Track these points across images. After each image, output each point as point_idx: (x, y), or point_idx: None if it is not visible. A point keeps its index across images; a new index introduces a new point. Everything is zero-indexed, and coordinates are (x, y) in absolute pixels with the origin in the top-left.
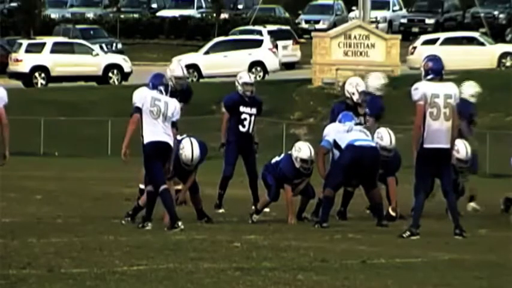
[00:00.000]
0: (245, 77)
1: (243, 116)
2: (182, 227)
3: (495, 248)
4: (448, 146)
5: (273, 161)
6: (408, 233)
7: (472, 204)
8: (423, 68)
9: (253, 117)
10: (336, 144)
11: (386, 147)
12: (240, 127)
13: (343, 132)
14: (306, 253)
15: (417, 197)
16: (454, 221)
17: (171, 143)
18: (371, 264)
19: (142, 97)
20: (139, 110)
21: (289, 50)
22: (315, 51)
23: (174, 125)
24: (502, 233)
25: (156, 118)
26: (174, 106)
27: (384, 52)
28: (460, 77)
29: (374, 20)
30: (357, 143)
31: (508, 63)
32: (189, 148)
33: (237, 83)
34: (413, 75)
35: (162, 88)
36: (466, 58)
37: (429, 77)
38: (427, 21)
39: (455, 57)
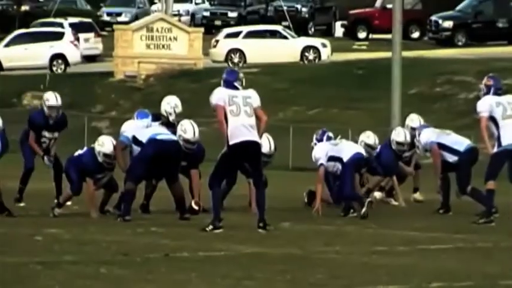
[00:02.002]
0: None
1: (42, 140)
2: None
3: (298, 241)
4: None
5: (76, 154)
6: (211, 226)
7: (416, 196)
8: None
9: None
10: (135, 140)
11: (189, 140)
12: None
13: (142, 128)
14: (109, 247)
15: (213, 190)
16: (259, 214)
17: None
18: (174, 257)
19: None
20: None
21: (91, 43)
22: (117, 44)
23: None
24: (305, 226)
25: None
26: None
27: (187, 45)
28: (263, 70)
29: (176, 13)
30: (158, 137)
31: (310, 57)
32: None
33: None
34: (216, 68)
35: None
36: (269, 52)
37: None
38: (230, 14)
39: (258, 50)
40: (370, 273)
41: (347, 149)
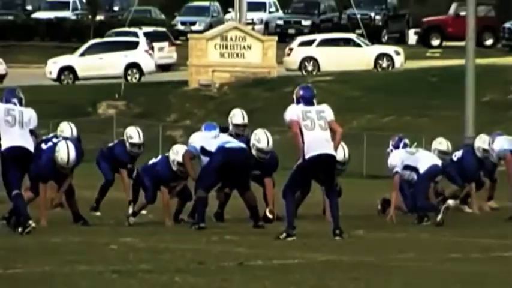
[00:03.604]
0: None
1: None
2: (33, 225)
3: (372, 249)
4: None
5: (151, 162)
6: (285, 234)
7: (490, 203)
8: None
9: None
10: (204, 150)
11: (263, 150)
12: None
13: (210, 139)
14: (183, 255)
15: (287, 199)
16: (334, 222)
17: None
18: (248, 266)
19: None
20: None
21: (165, 52)
22: (191, 53)
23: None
24: (379, 234)
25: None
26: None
27: (261, 54)
28: (337, 78)
29: (250, 21)
30: (227, 145)
31: (384, 65)
32: (64, 151)
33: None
34: (289, 76)
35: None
36: (342, 60)
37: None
38: (304, 22)
39: (332, 58)
40: (445, 281)
41: (423, 160)
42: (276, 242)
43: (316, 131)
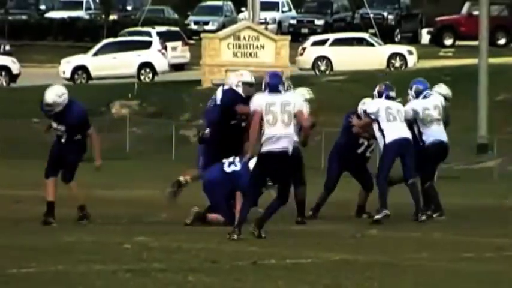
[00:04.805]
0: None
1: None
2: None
3: (386, 248)
4: None
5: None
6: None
7: None
8: None
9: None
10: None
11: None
12: None
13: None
14: (197, 254)
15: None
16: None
17: None
18: (262, 265)
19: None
20: None
21: (179, 51)
22: (205, 53)
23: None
24: (392, 233)
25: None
26: None
27: (274, 53)
28: (350, 77)
29: (263, 21)
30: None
31: (397, 64)
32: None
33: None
34: (302, 76)
35: None
36: (355, 59)
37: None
38: (316, 22)
39: (345, 58)
40: (458, 281)
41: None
42: (290, 241)
43: (278, 126)
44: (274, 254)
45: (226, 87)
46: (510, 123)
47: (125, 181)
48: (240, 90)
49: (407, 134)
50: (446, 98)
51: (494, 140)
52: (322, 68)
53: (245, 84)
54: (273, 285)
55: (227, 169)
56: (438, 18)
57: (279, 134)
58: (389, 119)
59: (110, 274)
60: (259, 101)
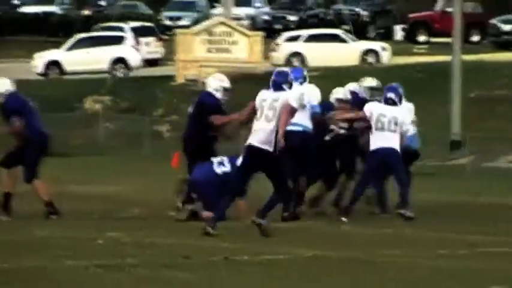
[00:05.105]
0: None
1: None
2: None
3: (359, 244)
4: None
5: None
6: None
7: None
8: None
9: None
10: None
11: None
12: None
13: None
14: (170, 250)
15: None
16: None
17: None
18: (234, 260)
19: None
20: None
21: (152, 47)
22: (178, 48)
23: None
24: (365, 229)
25: None
26: None
27: (247, 49)
28: (324, 73)
29: (237, 16)
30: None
31: (370, 60)
32: None
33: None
34: None
35: None
36: (329, 55)
37: None
38: (290, 18)
39: (318, 54)
40: (432, 277)
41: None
42: (263, 236)
43: (261, 121)
44: (247, 249)
45: (208, 90)
46: (483, 120)
47: (100, 176)
48: (218, 95)
49: (393, 145)
50: (375, 89)
51: (466, 137)
52: (296, 64)
53: (225, 90)
54: (244, 281)
55: (217, 170)
56: (411, 15)
57: (258, 128)
58: (378, 127)
59: (83, 269)
60: (258, 97)
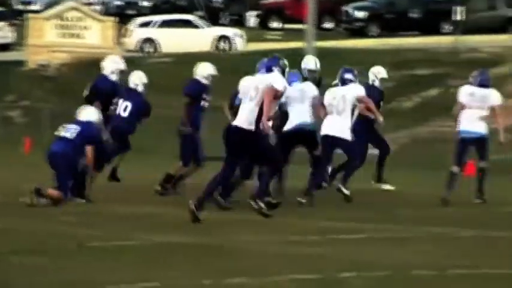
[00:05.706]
0: None
1: None
2: None
3: (213, 230)
4: None
5: None
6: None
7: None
8: None
9: None
10: None
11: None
12: None
13: None
14: (24, 237)
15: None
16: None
17: None
18: (87, 247)
19: None
20: None
21: (4, 31)
22: (29, 33)
23: None
24: (220, 215)
25: None
26: None
27: (100, 34)
28: (177, 60)
29: (89, 1)
30: None
31: (224, 46)
32: None
33: None
34: (128, 57)
35: None
36: (182, 41)
37: None
38: (143, 3)
39: (171, 40)
40: (281, 263)
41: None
42: (120, 224)
43: (245, 101)
44: (101, 236)
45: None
46: None
47: None
48: (114, 77)
49: (339, 127)
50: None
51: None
52: (149, 49)
53: (121, 72)
54: (98, 267)
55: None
56: (264, 2)
57: (241, 111)
58: (331, 111)
59: None
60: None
